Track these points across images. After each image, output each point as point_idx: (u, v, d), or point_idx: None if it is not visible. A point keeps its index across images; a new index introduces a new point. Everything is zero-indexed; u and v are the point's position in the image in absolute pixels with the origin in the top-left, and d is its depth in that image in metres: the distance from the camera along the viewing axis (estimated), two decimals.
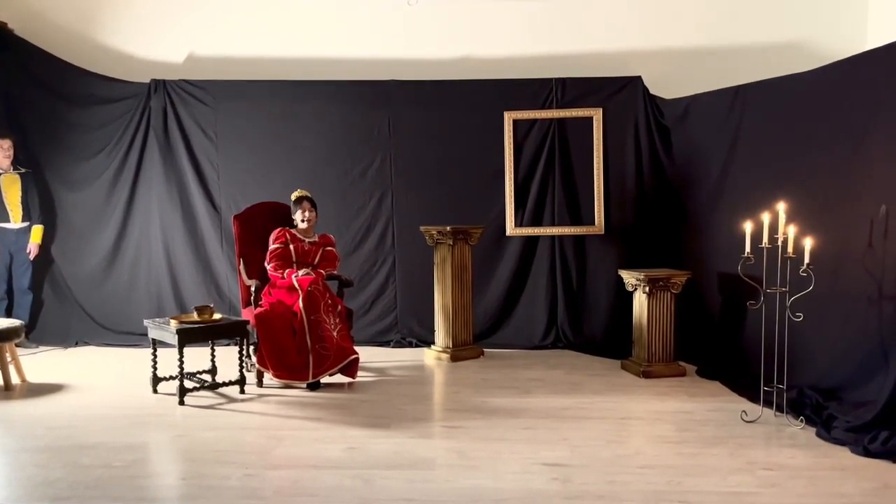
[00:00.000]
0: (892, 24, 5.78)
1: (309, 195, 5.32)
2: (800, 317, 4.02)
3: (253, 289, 5.13)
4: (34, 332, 6.29)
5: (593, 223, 6.23)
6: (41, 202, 6.30)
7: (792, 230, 4.06)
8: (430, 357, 5.81)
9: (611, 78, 6.22)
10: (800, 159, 4.78)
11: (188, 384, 4.65)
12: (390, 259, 6.37)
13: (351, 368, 4.94)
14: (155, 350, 4.77)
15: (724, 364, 5.16)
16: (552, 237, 6.29)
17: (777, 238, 4.09)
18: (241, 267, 5.33)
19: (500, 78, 6.27)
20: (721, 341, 5.35)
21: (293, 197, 5.32)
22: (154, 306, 6.36)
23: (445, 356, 5.70)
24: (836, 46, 5.88)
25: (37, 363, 5.57)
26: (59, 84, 6.37)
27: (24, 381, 5.04)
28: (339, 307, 5.03)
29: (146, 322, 4.86)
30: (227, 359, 5.17)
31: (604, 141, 6.20)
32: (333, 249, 5.37)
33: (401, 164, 6.32)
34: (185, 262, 6.40)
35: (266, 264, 5.16)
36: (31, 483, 3.29)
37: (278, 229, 5.24)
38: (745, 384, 4.69)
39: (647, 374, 5.11)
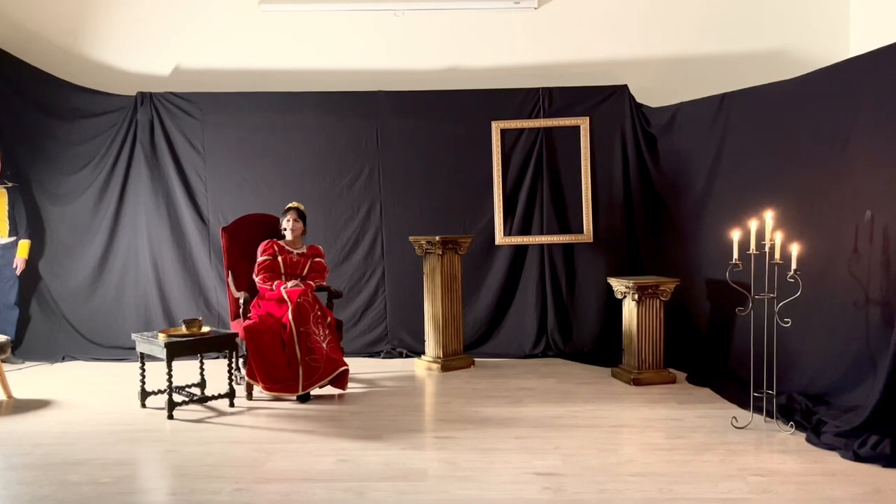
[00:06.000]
0: (873, 32, 5.86)
1: (298, 206, 5.33)
2: (788, 322, 4.05)
3: (242, 301, 5.10)
4: (20, 348, 6.23)
5: (582, 231, 6.25)
6: (28, 217, 6.24)
7: (779, 236, 4.09)
8: (421, 367, 5.80)
9: (597, 87, 6.26)
10: (785, 166, 4.82)
11: (177, 398, 4.62)
12: (379, 270, 6.36)
13: (341, 380, 4.92)
14: (143, 364, 4.74)
15: (713, 370, 5.19)
16: (541, 246, 6.31)
17: (764, 244, 4.12)
18: (230, 279, 5.31)
19: (487, 88, 6.30)
20: (710, 348, 5.38)
21: (285, 207, 5.33)
22: (142, 320, 6.33)
23: (436, 366, 5.70)
24: (820, 54, 5.97)
25: (23, 379, 5.51)
26: (45, 98, 6.34)
27: (10, 397, 4.99)
28: (329, 318, 5.02)
29: (134, 336, 4.82)
30: (217, 372, 5.14)
31: (591, 150, 6.23)
32: (322, 260, 5.36)
33: (389, 175, 6.33)
34: (173, 275, 6.36)
35: (254, 276, 5.14)
36: (18, 501, 3.25)
37: (266, 241, 5.23)
38: (734, 390, 4.72)
39: (637, 382, 5.12)
